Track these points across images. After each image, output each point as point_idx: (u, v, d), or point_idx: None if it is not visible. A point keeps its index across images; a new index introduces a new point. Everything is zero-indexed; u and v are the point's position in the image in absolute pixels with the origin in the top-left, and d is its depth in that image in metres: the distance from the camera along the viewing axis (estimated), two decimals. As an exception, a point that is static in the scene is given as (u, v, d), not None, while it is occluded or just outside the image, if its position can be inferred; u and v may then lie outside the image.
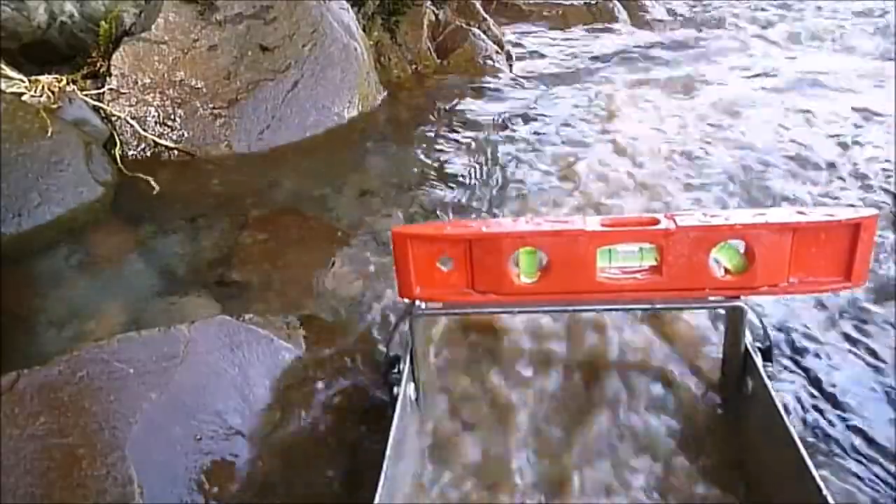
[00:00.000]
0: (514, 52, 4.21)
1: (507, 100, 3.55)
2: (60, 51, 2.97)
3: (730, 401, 1.59)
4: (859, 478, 1.47)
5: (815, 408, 1.64)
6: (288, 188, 2.70)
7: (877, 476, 1.47)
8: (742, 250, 1.38)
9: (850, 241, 1.33)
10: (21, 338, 1.93)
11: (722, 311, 1.66)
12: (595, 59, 4.15)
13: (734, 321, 1.51)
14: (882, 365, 1.76)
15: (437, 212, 2.53)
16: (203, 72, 2.96)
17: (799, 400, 1.66)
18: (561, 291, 1.41)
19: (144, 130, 2.85)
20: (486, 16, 4.25)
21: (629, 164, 2.77)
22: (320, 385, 1.77)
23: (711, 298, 1.44)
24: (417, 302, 1.47)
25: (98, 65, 2.93)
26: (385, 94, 3.51)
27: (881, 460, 1.51)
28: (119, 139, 2.82)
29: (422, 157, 2.95)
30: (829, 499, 1.18)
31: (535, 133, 3.15)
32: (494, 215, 2.50)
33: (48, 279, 2.20)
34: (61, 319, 2.00)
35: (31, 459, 1.45)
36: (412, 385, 1.57)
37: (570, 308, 1.58)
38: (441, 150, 2.99)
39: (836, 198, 2.51)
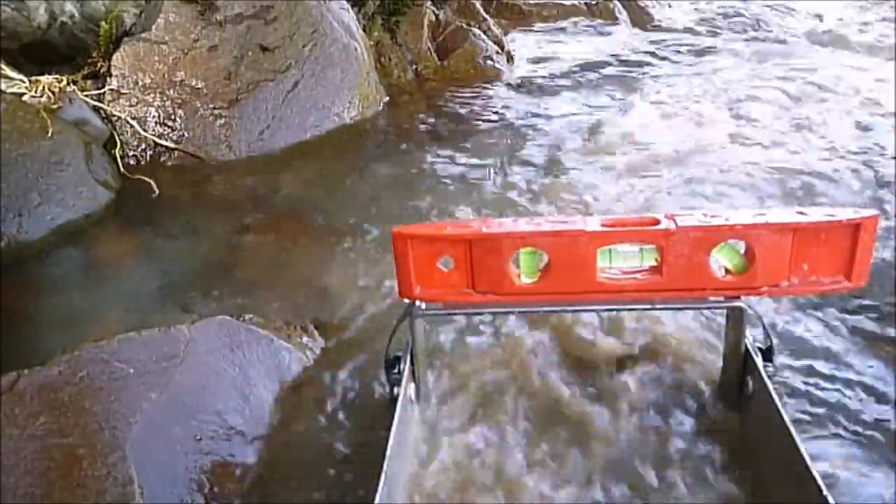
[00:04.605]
0: (515, 52, 4.20)
1: (507, 101, 3.55)
2: (61, 51, 2.97)
3: (730, 401, 1.59)
4: (860, 478, 1.47)
5: (816, 407, 1.64)
6: (288, 190, 2.70)
7: (877, 476, 1.47)
8: (742, 250, 1.38)
9: (850, 241, 1.33)
10: (21, 338, 1.93)
11: (722, 312, 1.65)
12: (595, 59, 4.15)
13: (734, 321, 1.51)
14: (883, 363, 1.76)
15: (437, 213, 2.53)
16: (203, 72, 2.96)
17: (800, 399, 1.66)
18: (561, 292, 1.41)
19: (145, 131, 2.85)
20: (486, 16, 4.25)
21: (628, 169, 2.77)
22: (320, 385, 1.77)
23: (711, 298, 1.43)
24: (417, 302, 1.47)
25: (98, 65, 2.93)
26: (385, 94, 3.51)
27: (882, 460, 1.51)
28: (119, 139, 2.82)
29: (421, 157, 2.95)
30: (830, 499, 1.18)
31: (535, 134, 3.15)
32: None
33: (48, 279, 2.20)
34: (62, 320, 2.00)
35: (32, 459, 1.44)
36: (412, 385, 1.57)
37: (571, 308, 1.58)
38: (440, 152, 2.99)
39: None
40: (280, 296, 2.09)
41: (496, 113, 3.39)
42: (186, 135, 2.90)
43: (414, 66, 3.84)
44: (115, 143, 2.81)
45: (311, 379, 1.78)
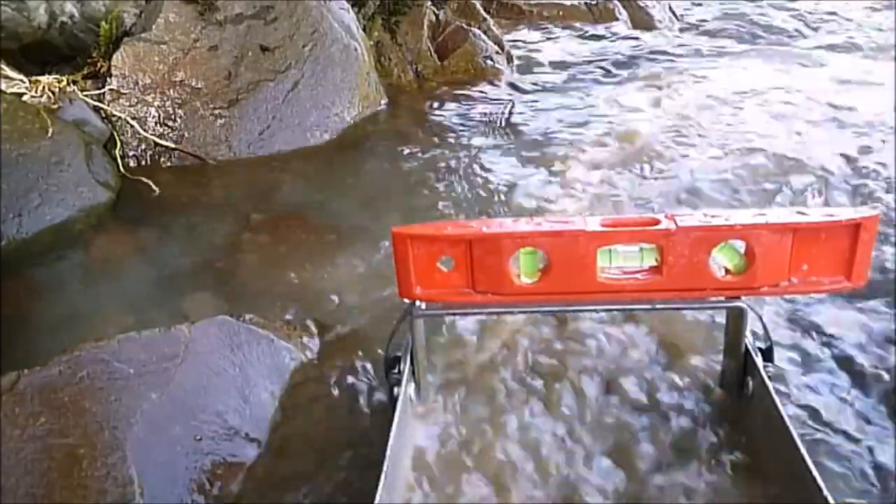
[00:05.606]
0: (515, 52, 4.20)
1: (507, 102, 3.55)
2: (61, 51, 2.97)
3: (730, 401, 1.59)
4: (860, 477, 1.47)
5: (816, 407, 1.64)
6: (288, 190, 2.70)
7: (877, 476, 1.47)
8: (742, 250, 1.38)
9: (850, 241, 1.33)
10: (21, 338, 1.93)
11: (722, 312, 1.65)
12: (596, 59, 4.15)
13: (734, 321, 1.51)
14: (882, 364, 1.76)
15: (437, 213, 2.52)
16: (203, 72, 2.96)
17: (800, 399, 1.67)
18: (561, 292, 1.41)
19: (145, 131, 2.85)
20: (486, 16, 4.24)
21: (624, 173, 2.77)
22: (320, 385, 1.77)
23: (712, 298, 1.44)
24: (417, 302, 1.47)
25: (98, 65, 2.93)
26: (385, 94, 3.51)
27: (882, 460, 1.51)
28: (119, 140, 2.82)
29: (421, 157, 2.95)
30: (829, 499, 1.18)
31: (535, 134, 3.15)
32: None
33: (48, 280, 2.20)
34: (61, 320, 2.00)
35: (32, 460, 1.45)
36: (412, 385, 1.57)
37: (571, 308, 1.58)
38: (440, 152, 2.99)
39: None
40: (280, 295, 2.09)
41: (496, 113, 3.39)
42: (186, 135, 2.90)
43: (414, 66, 3.84)
44: (115, 143, 2.81)
45: (312, 379, 1.78)
